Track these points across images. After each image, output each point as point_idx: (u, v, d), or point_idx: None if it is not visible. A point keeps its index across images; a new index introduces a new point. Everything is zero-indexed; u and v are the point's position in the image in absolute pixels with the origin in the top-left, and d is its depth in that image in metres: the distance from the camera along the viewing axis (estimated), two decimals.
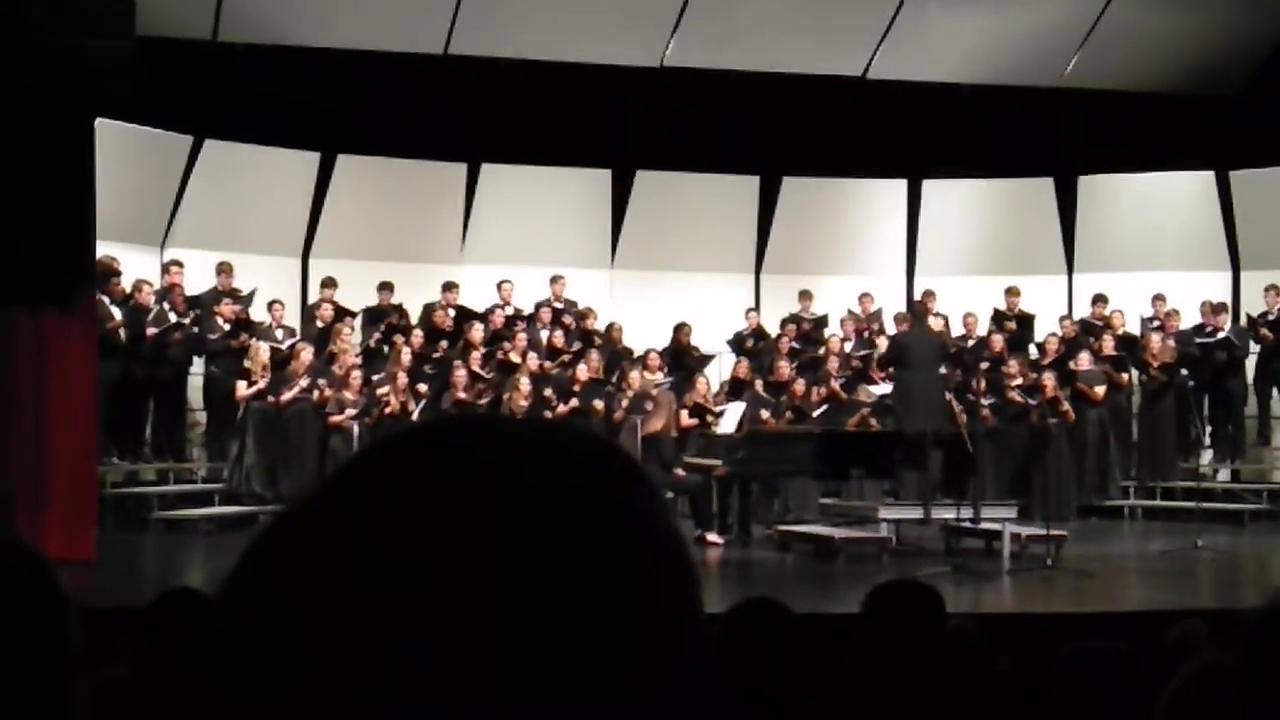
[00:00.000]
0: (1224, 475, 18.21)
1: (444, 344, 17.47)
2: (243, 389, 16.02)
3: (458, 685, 0.82)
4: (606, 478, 0.90)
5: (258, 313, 17.09)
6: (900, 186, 20.39)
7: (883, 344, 18.28)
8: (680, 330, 18.43)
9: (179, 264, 16.88)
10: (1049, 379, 17.09)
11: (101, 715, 3.75)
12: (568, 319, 18.39)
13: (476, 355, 17.04)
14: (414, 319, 17.95)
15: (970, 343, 18.45)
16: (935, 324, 18.35)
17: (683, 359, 18.10)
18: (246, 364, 16.10)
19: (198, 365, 16.84)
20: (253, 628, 0.86)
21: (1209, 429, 18.13)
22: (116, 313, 15.62)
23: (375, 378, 16.37)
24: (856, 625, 3.04)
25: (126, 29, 12.48)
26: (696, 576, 0.91)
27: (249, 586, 0.88)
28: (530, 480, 0.87)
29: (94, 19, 12.10)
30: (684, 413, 16.43)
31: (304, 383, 16.06)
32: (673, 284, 19.54)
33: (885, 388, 17.53)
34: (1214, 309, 18.21)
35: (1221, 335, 17.95)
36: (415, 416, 16.07)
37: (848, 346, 18.56)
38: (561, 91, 18.13)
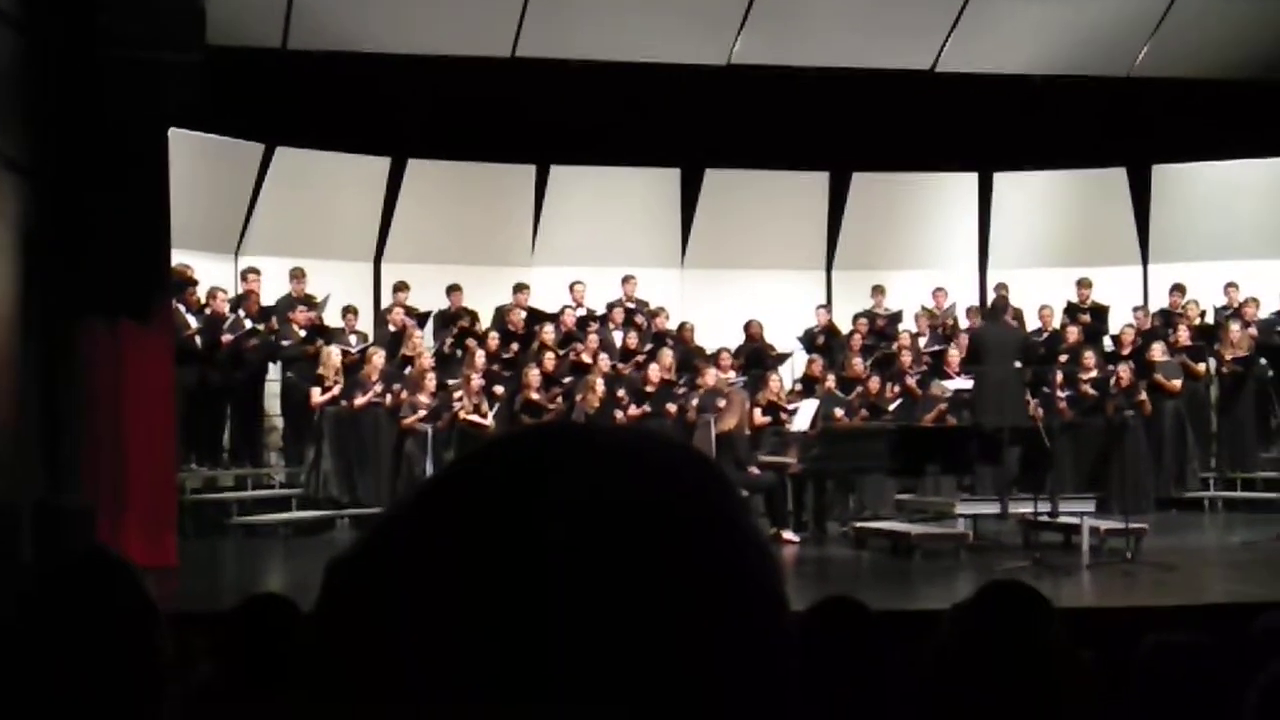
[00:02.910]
0: None
1: (515, 346, 17.53)
2: (317, 395, 16.11)
3: (566, 690, 0.82)
4: (695, 483, 0.90)
5: (332, 318, 17.21)
6: (971, 180, 20.28)
7: (962, 340, 18.18)
8: (751, 326, 18.41)
9: (256, 272, 17.01)
10: (1125, 370, 16.97)
11: (188, 718, 3.78)
12: (640, 319, 18.40)
13: (549, 357, 17.07)
14: (485, 322, 18.02)
15: (1045, 335, 18.35)
16: (1012, 317, 18.29)
17: (759, 357, 18.07)
18: (319, 370, 16.20)
19: (274, 372, 16.96)
20: (350, 637, 0.87)
21: None
22: (192, 320, 15.76)
23: (451, 382, 16.45)
24: (952, 623, 3.01)
25: (198, 39, 12.61)
26: (783, 578, 0.92)
27: (345, 599, 0.89)
28: (622, 490, 0.87)
29: (166, 30, 12.23)
30: (757, 411, 16.40)
31: (378, 387, 16.16)
32: (744, 282, 19.51)
33: (961, 382, 17.42)
34: None
35: None
36: (489, 419, 16.14)
37: (921, 342, 18.47)
38: (629, 91, 18.12)
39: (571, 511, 0.85)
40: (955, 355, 17.74)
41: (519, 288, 18.21)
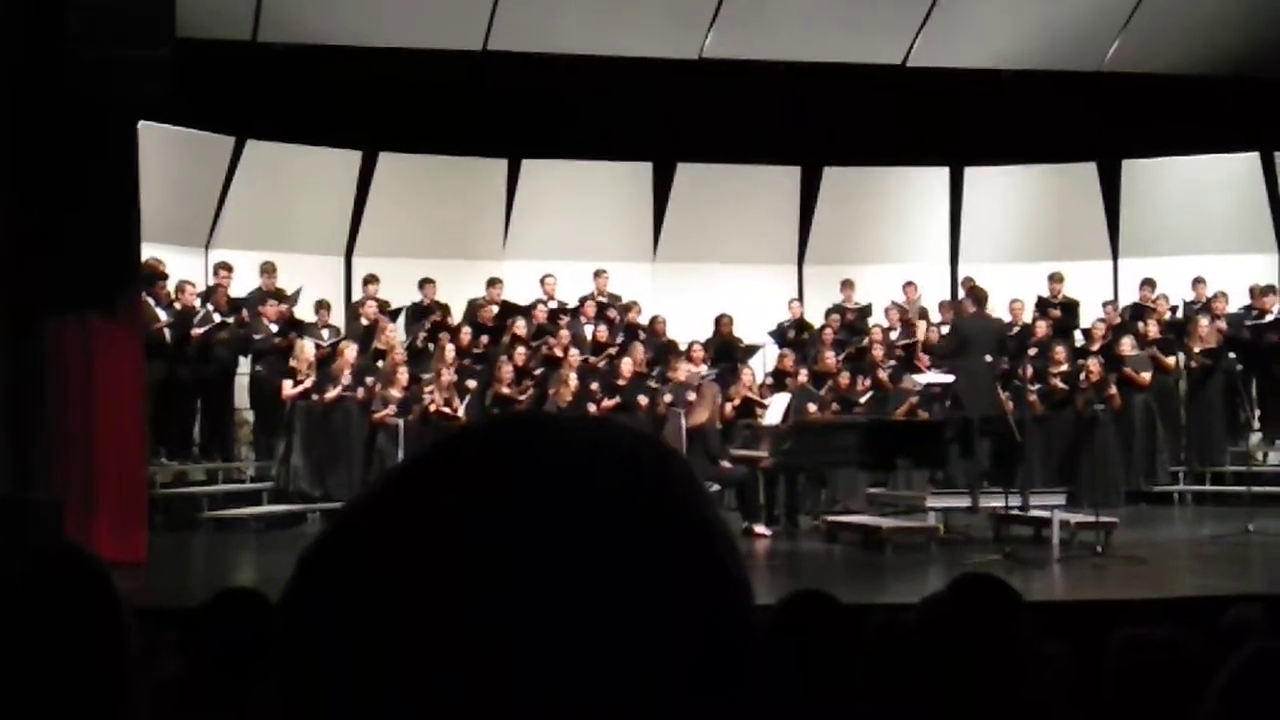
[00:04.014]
0: (1274, 458, 18.07)
1: (486, 339, 17.51)
2: (288, 388, 16.07)
3: (533, 678, 0.82)
4: (657, 472, 0.90)
5: (303, 312, 17.16)
6: (942, 174, 20.32)
7: (922, 331, 18.26)
8: (721, 321, 18.43)
9: (228, 268, 16.94)
10: (1095, 364, 17.02)
11: (158, 714, 3.77)
12: (611, 313, 18.39)
13: (521, 350, 17.06)
14: (457, 315, 17.99)
15: (1016, 329, 18.40)
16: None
17: (728, 351, 18.09)
18: (291, 363, 16.16)
19: (244, 365, 16.91)
20: (316, 630, 0.86)
21: (1258, 412, 18.00)
22: (162, 314, 15.69)
23: (423, 376, 16.42)
24: (923, 616, 3.02)
25: (167, 32, 12.53)
26: (745, 568, 0.92)
27: (311, 591, 0.88)
28: (585, 478, 0.87)
29: (134, 23, 12.14)
30: (729, 405, 16.42)
31: (349, 381, 16.12)
32: (715, 276, 19.53)
33: (932, 376, 17.45)
34: (1262, 291, 18.09)
35: (1271, 317, 17.82)
36: (460, 412, 16.13)
37: (892, 335, 18.51)
38: (601, 85, 18.11)
39: (535, 500, 0.85)
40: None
41: (491, 282, 18.19)
